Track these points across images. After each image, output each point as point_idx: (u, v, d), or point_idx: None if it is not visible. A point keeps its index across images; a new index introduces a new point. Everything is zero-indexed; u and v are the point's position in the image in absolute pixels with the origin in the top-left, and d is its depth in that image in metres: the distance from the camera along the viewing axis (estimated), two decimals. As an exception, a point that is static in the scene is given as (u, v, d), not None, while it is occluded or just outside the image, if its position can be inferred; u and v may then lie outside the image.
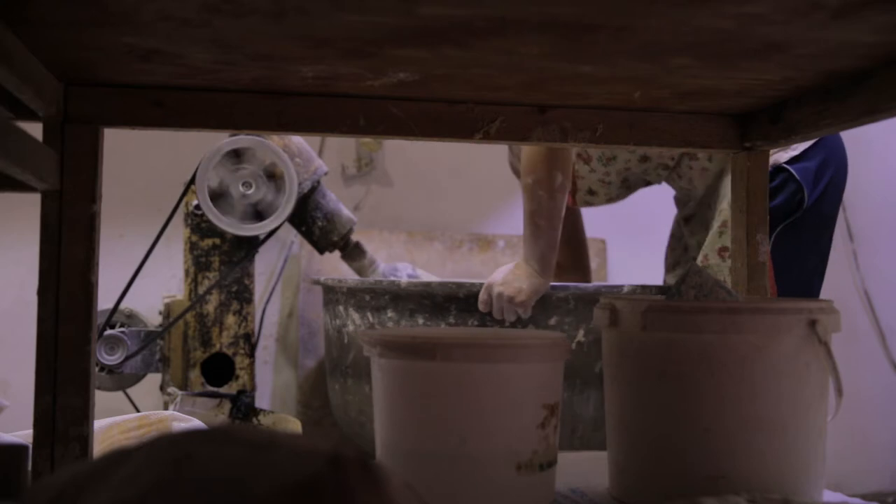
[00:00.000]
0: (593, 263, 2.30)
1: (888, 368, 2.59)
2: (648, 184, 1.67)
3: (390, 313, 1.56)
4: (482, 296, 1.47)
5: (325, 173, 1.65)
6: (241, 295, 1.62)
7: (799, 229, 1.43)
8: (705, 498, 0.79)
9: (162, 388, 1.65)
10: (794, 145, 1.42)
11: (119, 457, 0.43)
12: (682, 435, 0.86)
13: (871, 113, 0.88)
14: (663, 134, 1.08)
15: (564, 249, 1.76)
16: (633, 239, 2.32)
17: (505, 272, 1.48)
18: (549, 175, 1.42)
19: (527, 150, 1.44)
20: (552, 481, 0.90)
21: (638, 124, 1.07)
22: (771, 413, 0.84)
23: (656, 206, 1.94)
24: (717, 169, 1.51)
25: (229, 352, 1.60)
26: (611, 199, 1.71)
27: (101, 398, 1.03)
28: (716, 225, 1.47)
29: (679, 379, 0.86)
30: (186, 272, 1.61)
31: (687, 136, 1.09)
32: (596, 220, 1.98)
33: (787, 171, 1.42)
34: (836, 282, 2.64)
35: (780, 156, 1.43)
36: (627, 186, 1.68)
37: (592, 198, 1.69)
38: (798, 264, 1.45)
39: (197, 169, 1.53)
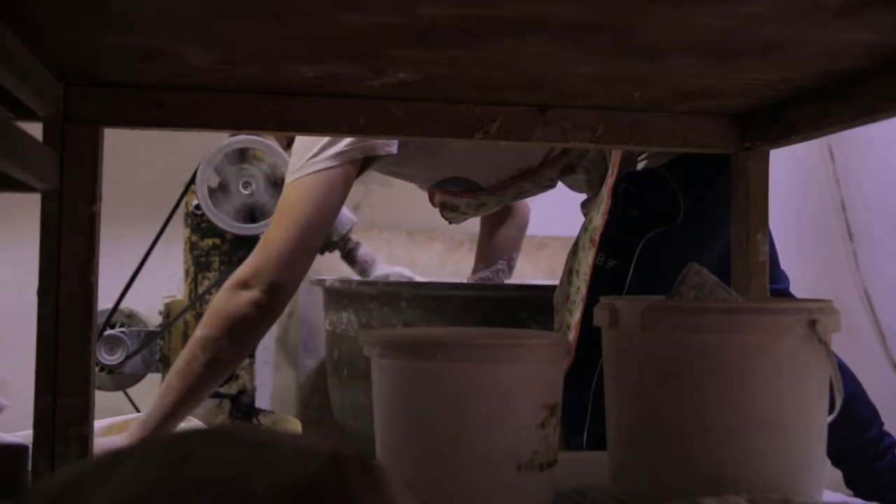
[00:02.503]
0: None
1: (888, 368, 2.59)
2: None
3: (389, 314, 1.56)
4: None
5: (325, 173, 1.64)
6: (241, 295, 1.61)
7: (674, 237, 1.31)
8: (705, 498, 0.79)
9: (162, 388, 1.65)
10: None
11: (119, 457, 0.43)
12: (682, 435, 0.86)
13: (871, 113, 0.88)
14: (663, 134, 1.08)
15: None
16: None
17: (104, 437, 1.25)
18: (242, 347, 1.25)
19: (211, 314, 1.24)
20: (552, 481, 0.90)
21: (638, 124, 1.07)
22: (771, 413, 0.84)
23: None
24: (601, 178, 1.41)
25: (229, 352, 1.59)
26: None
27: (101, 398, 1.03)
28: (573, 243, 1.41)
29: (679, 379, 0.86)
30: (186, 272, 1.61)
31: (687, 136, 1.09)
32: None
33: (664, 176, 1.32)
34: (836, 282, 2.65)
35: (657, 159, 1.33)
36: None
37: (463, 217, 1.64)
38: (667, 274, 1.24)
39: (197, 169, 1.53)
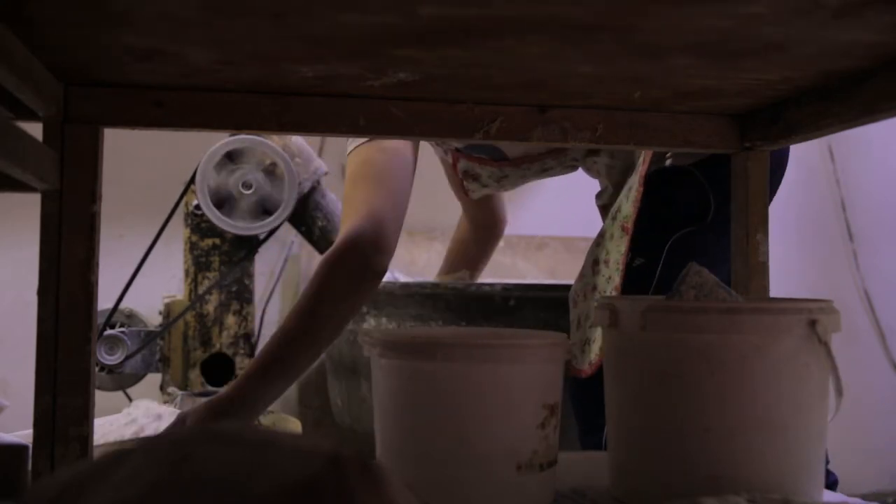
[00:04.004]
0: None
1: (888, 368, 2.59)
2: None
3: (389, 314, 1.56)
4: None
5: (325, 173, 1.65)
6: (241, 295, 1.62)
7: (703, 236, 1.29)
8: (705, 498, 0.79)
9: (162, 388, 1.66)
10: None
11: (119, 457, 0.43)
12: (682, 435, 0.86)
13: (871, 113, 0.88)
14: (663, 134, 1.08)
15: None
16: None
17: (206, 412, 1.17)
18: (354, 310, 1.25)
19: (326, 277, 1.20)
20: (552, 481, 0.90)
21: (638, 124, 1.07)
22: (771, 413, 0.84)
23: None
24: (622, 165, 1.41)
25: (229, 352, 1.60)
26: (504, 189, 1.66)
27: (101, 398, 1.03)
28: (597, 234, 1.39)
29: (679, 379, 0.86)
30: (186, 272, 1.61)
31: (687, 136, 1.09)
32: (596, 221, 1.98)
33: (693, 174, 1.30)
34: (836, 282, 2.65)
35: (685, 157, 1.32)
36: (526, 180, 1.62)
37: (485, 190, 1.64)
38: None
39: (197, 169, 1.53)
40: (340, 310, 1.21)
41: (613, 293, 1.28)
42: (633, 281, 1.28)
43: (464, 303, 1.52)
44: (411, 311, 1.55)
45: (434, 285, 1.57)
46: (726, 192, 1.26)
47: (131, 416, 1.45)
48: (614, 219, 1.34)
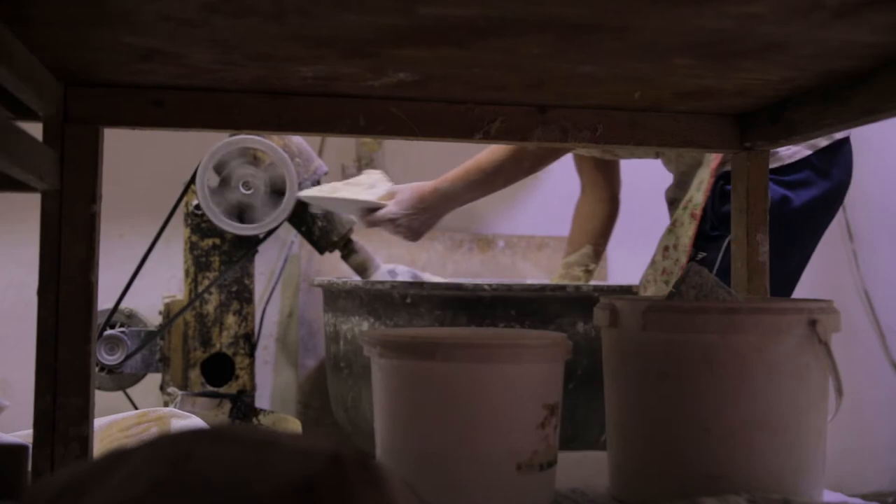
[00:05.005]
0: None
1: (888, 368, 2.59)
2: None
3: (389, 314, 1.56)
4: (374, 220, 1.58)
5: (325, 173, 1.65)
6: (241, 295, 1.62)
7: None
8: (705, 498, 0.79)
9: (162, 388, 1.65)
10: (785, 156, 1.41)
11: (119, 457, 0.43)
12: (682, 435, 0.86)
13: (871, 113, 0.88)
14: (663, 134, 1.08)
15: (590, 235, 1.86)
16: (632, 239, 2.32)
17: (408, 206, 1.57)
18: (549, 159, 1.55)
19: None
20: (552, 481, 0.90)
21: (638, 124, 1.07)
22: (771, 413, 0.84)
23: (656, 206, 1.94)
24: (691, 160, 1.51)
25: (229, 352, 1.60)
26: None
27: (101, 398, 1.03)
28: (670, 223, 1.50)
29: (679, 379, 0.86)
30: (186, 272, 1.61)
31: (687, 135, 1.09)
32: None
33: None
34: (836, 282, 2.64)
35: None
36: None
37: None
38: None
39: (197, 169, 1.53)
40: (543, 154, 1.51)
41: (680, 273, 1.37)
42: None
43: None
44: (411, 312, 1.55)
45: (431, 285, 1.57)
46: (788, 199, 1.39)
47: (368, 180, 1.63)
48: (685, 208, 1.45)
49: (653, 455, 0.88)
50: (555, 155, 1.56)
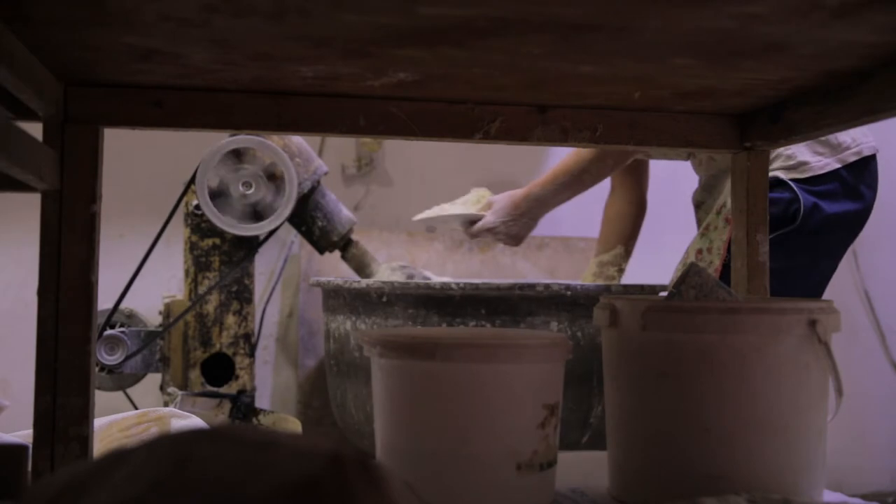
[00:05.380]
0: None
1: (888, 368, 2.59)
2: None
3: (389, 314, 1.56)
4: (475, 233, 1.68)
5: (325, 173, 1.65)
6: (241, 295, 1.62)
7: (789, 243, 1.43)
8: (705, 498, 0.79)
9: (162, 388, 1.65)
10: (816, 166, 1.45)
11: (119, 457, 0.43)
12: (681, 435, 0.86)
13: (871, 113, 0.88)
14: (663, 134, 1.08)
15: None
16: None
17: (504, 213, 1.67)
18: (629, 154, 1.63)
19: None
20: (552, 481, 0.90)
21: (638, 124, 1.07)
22: (771, 413, 0.84)
23: (657, 207, 1.94)
24: (723, 164, 1.54)
25: (229, 352, 1.60)
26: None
27: (101, 398, 1.03)
28: (702, 226, 1.52)
29: (679, 379, 0.86)
30: (186, 272, 1.61)
31: (687, 135, 1.09)
32: (596, 221, 1.98)
33: (787, 183, 1.43)
34: (836, 282, 2.64)
35: (789, 173, 1.45)
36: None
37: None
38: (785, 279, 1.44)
39: (197, 169, 1.53)
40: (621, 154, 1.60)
41: (715, 275, 1.39)
42: (723, 277, 1.38)
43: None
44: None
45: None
46: (817, 206, 1.42)
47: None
48: (718, 213, 1.48)
49: (653, 455, 0.88)
50: (633, 152, 1.63)
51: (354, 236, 1.71)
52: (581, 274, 2.26)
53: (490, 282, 1.58)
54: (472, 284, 1.51)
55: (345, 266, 1.77)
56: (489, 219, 1.68)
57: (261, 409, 1.61)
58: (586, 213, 2.06)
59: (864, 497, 1.14)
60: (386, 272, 1.73)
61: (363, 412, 1.59)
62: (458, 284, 1.50)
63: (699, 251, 1.49)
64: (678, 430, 0.86)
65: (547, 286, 1.48)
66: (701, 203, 1.65)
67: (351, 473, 0.42)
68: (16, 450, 0.89)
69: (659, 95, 0.99)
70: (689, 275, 0.95)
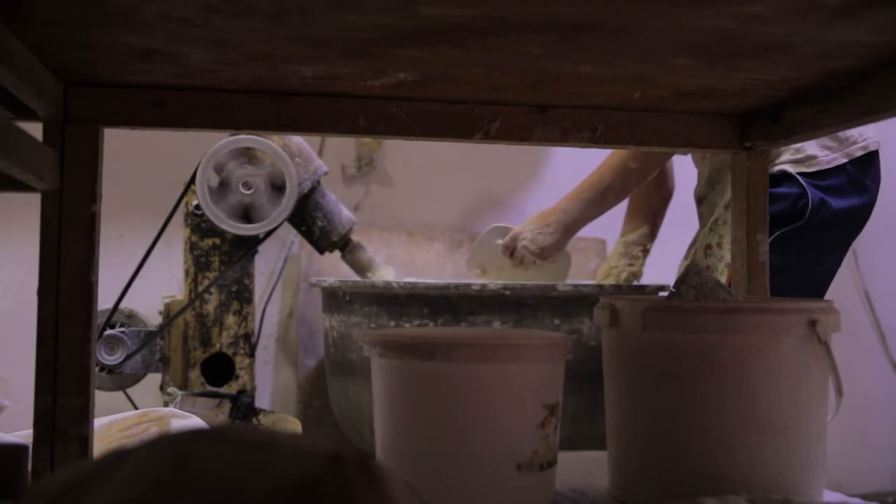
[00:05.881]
0: (593, 263, 2.31)
1: (888, 368, 2.59)
2: None
3: (389, 314, 1.56)
4: (507, 242, 1.68)
5: (325, 173, 1.65)
6: (241, 295, 1.62)
7: (795, 239, 1.43)
8: (705, 498, 0.79)
9: (162, 388, 1.65)
10: (823, 161, 1.45)
11: (119, 456, 0.43)
12: (681, 435, 0.86)
13: (871, 113, 0.88)
14: (663, 134, 1.08)
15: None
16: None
17: (533, 223, 1.67)
18: (651, 170, 1.62)
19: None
20: (552, 481, 0.90)
21: (638, 124, 1.07)
22: (771, 413, 0.84)
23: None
24: (725, 158, 1.54)
25: (229, 352, 1.60)
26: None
27: (101, 398, 1.03)
28: (710, 221, 1.52)
29: (679, 379, 0.86)
30: (186, 272, 1.61)
31: (687, 135, 1.09)
32: (596, 221, 1.98)
33: (795, 178, 1.44)
34: (836, 282, 2.64)
35: (797, 167, 1.45)
36: None
37: None
38: (787, 276, 1.44)
39: (197, 169, 1.53)
40: (645, 166, 1.59)
41: (725, 271, 1.41)
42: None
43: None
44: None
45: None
46: (825, 203, 1.41)
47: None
48: (727, 207, 1.46)
49: (653, 455, 0.88)
50: (660, 159, 1.64)
51: (354, 236, 1.71)
52: (583, 272, 2.26)
53: (430, 281, 1.61)
54: (411, 283, 1.54)
55: (345, 266, 1.77)
56: (518, 227, 1.70)
57: (261, 409, 1.61)
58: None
59: (864, 497, 1.14)
60: (388, 272, 1.73)
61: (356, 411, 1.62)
62: (399, 284, 1.53)
63: (708, 246, 1.49)
64: (678, 430, 0.86)
65: (484, 286, 1.49)
66: (703, 197, 1.65)
67: (351, 473, 0.42)
68: (16, 450, 0.89)
69: (659, 95, 0.99)
70: (689, 275, 0.95)
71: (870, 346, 2.58)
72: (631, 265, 1.87)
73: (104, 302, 1.16)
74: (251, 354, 1.62)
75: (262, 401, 2.14)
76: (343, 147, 2.25)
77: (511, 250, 1.68)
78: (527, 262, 1.66)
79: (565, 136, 1.05)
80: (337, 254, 1.74)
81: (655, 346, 0.87)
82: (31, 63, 0.82)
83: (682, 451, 0.86)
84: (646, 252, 1.89)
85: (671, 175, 1.93)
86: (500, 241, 1.74)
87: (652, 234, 1.91)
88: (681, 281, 0.95)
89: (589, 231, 2.06)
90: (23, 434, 1.04)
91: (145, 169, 2.07)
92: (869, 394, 2.47)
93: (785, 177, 1.44)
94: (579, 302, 1.50)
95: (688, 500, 0.80)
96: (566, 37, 0.76)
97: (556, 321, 1.50)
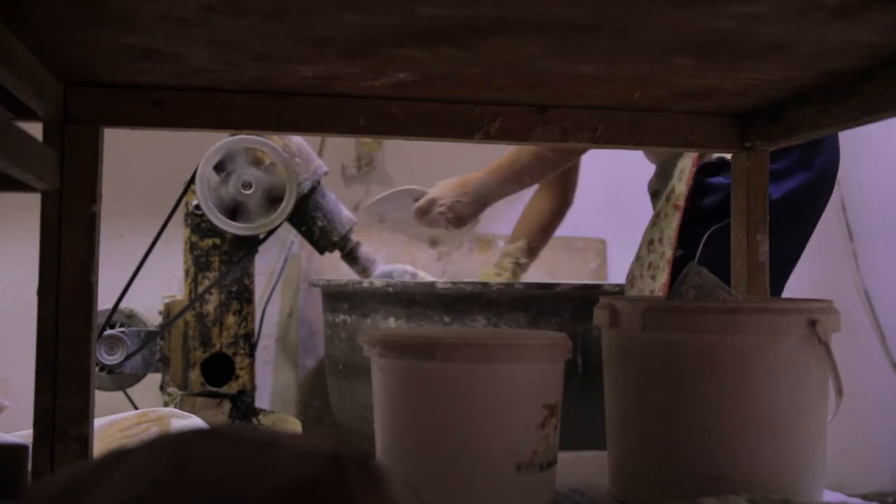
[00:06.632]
0: (593, 263, 2.31)
1: (888, 368, 2.59)
2: None
3: (389, 314, 1.56)
4: (423, 205, 1.66)
5: (325, 173, 1.65)
6: (241, 295, 1.62)
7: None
8: (705, 498, 0.79)
9: (162, 388, 1.65)
10: None
11: (119, 457, 0.43)
12: (681, 435, 0.86)
13: (871, 113, 0.88)
14: (663, 134, 1.08)
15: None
16: (633, 239, 2.32)
17: (451, 190, 1.65)
18: (565, 161, 1.60)
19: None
20: (552, 481, 0.90)
21: (638, 124, 1.07)
22: (771, 413, 0.84)
23: (643, 203, 1.94)
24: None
25: (229, 352, 1.60)
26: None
27: (101, 398, 1.03)
28: (653, 215, 1.47)
29: (679, 379, 0.86)
30: (186, 272, 1.61)
31: (687, 135, 1.09)
32: (596, 220, 1.98)
33: (730, 165, 1.31)
34: (836, 282, 2.65)
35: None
36: None
37: None
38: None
39: (197, 169, 1.53)
40: (561, 157, 1.58)
41: (666, 267, 1.37)
42: (674, 271, 1.34)
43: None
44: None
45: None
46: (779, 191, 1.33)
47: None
48: (668, 199, 1.42)
49: (653, 455, 0.88)
50: (573, 154, 1.62)
51: (354, 236, 1.71)
52: (583, 272, 2.26)
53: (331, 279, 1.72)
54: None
55: (345, 266, 1.77)
56: (435, 192, 1.67)
57: (261, 409, 1.61)
58: (586, 214, 2.06)
59: (864, 497, 1.14)
60: (386, 272, 1.73)
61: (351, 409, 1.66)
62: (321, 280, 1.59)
63: (650, 242, 1.44)
64: (678, 430, 0.86)
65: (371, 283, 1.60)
66: (657, 192, 1.57)
67: (351, 473, 0.42)
68: (16, 450, 0.89)
69: (659, 95, 0.99)
70: (689, 274, 0.95)
71: (870, 346, 2.58)
72: (498, 275, 1.87)
73: (104, 302, 1.16)
74: (251, 354, 1.62)
75: (262, 401, 2.14)
76: (343, 147, 2.25)
77: (424, 213, 1.67)
78: (438, 226, 1.66)
79: (565, 136, 1.05)
80: (337, 254, 1.74)
81: (655, 346, 0.87)
82: (31, 63, 0.82)
83: (682, 451, 0.86)
84: (519, 266, 1.89)
85: (573, 185, 1.92)
86: (413, 202, 1.72)
87: (531, 250, 1.91)
88: (681, 281, 0.95)
89: (589, 231, 2.07)
90: (23, 434, 1.04)
91: (145, 169, 2.07)
92: (869, 394, 2.47)
93: (723, 165, 1.36)
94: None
95: (688, 500, 0.80)
96: (566, 37, 0.76)
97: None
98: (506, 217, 2.33)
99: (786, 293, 1.51)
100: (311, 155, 1.62)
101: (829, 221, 2.69)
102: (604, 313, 0.92)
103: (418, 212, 1.68)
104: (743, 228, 1.12)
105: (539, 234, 1.92)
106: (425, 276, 1.81)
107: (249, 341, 1.62)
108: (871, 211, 2.63)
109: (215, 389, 1.59)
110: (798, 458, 0.85)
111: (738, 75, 0.90)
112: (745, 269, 1.11)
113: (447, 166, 2.30)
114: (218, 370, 1.60)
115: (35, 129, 0.85)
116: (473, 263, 2.27)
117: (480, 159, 2.24)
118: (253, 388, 1.63)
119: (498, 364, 0.86)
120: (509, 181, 1.64)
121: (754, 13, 0.69)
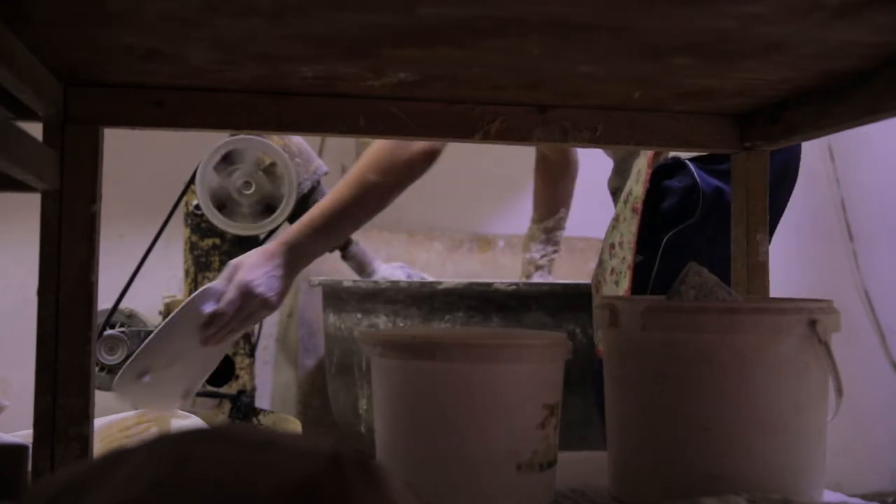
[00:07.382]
0: (593, 263, 2.31)
1: (888, 368, 2.59)
2: None
3: (389, 313, 1.56)
4: (233, 297, 1.25)
5: (325, 173, 1.65)
6: (241, 295, 1.61)
7: (693, 234, 1.29)
8: (705, 498, 0.79)
9: (162, 388, 1.65)
10: None
11: (119, 457, 0.43)
12: (681, 435, 0.86)
13: (871, 113, 0.88)
14: (663, 134, 1.08)
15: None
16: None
17: (260, 267, 1.28)
18: (396, 187, 1.36)
19: (381, 150, 1.35)
20: (552, 481, 0.90)
21: (638, 124, 1.07)
22: (771, 413, 0.84)
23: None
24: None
25: (229, 352, 1.60)
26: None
27: (101, 398, 1.03)
28: (612, 218, 1.40)
29: (679, 379, 0.86)
30: (186, 272, 1.61)
31: (687, 136, 1.09)
32: (596, 220, 1.98)
33: (686, 166, 1.29)
34: (836, 282, 2.65)
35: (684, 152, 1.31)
36: None
37: None
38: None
39: (196, 169, 1.53)
40: (388, 181, 1.34)
41: (627, 273, 1.30)
42: (636, 277, 1.29)
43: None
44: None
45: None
46: (718, 190, 1.27)
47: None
48: (626, 202, 1.34)
49: (653, 455, 0.88)
50: (407, 176, 1.38)
51: (354, 236, 1.71)
52: (582, 271, 2.26)
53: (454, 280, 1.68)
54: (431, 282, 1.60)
55: (345, 266, 1.77)
56: (241, 275, 1.27)
57: (261, 409, 1.61)
58: (586, 214, 2.05)
59: (864, 497, 1.14)
60: (386, 272, 1.73)
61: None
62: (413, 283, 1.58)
63: (612, 246, 1.36)
64: (678, 430, 0.86)
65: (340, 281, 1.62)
66: (617, 190, 1.48)
67: (351, 473, 0.42)
68: (16, 450, 0.89)
69: (659, 95, 0.99)
70: (689, 274, 0.95)
71: (870, 346, 2.58)
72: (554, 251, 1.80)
73: (104, 302, 1.16)
74: (251, 354, 1.62)
75: (262, 401, 2.14)
76: (343, 147, 2.25)
77: (238, 307, 1.25)
78: (259, 317, 1.31)
79: (565, 136, 1.05)
80: (337, 254, 1.74)
81: (655, 346, 0.87)
82: (31, 63, 0.82)
83: (682, 451, 0.86)
84: (538, 268, 1.84)
85: (572, 152, 1.84)
86: (207, 307, 1.25)
87: (557, 223, 1.85)
88: (681, 281, 0.95)
89: (589, 231, 2.07)
90: (23, 434, 1.04)
91: (145, 169, 2.07)
92: (869, 394, 2.47)
93: (678, 166, 1.29)
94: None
95: (688, 500, 0.80)
96: (566, 37, 0.76)
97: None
98: (506, 217, 2.33)
99: (786, 293, 1.51)
100: (311, 155, 1.62)
101: (829, 221, 2.70)
102: (604, 313, 0.92)
103: (229, 305, 1.25)
104: (743, 228, 1.12)
105: (569, 198, 1.85)
106: (425, 277, 1.81)
107: (249, 341, 1.62)
108: (871, 211, 2.63)
109: (215, 389, 1.59)
110: (798, 458, 0.85)
111: (737, 75, 0.90)
112: (745, 269, 1.11)
113: (447, 166, 2.30)
114: (218, 370, 1.60)
115: (35, 129, 0.85)
116: (473, 264, 2.27)
117: (480, 159, 2.24)
118: (253, 388, 1.63)
119: (498, 364, 0.86)
120: (324, 235, 1.35)
121: (754, 13, 0.69)
